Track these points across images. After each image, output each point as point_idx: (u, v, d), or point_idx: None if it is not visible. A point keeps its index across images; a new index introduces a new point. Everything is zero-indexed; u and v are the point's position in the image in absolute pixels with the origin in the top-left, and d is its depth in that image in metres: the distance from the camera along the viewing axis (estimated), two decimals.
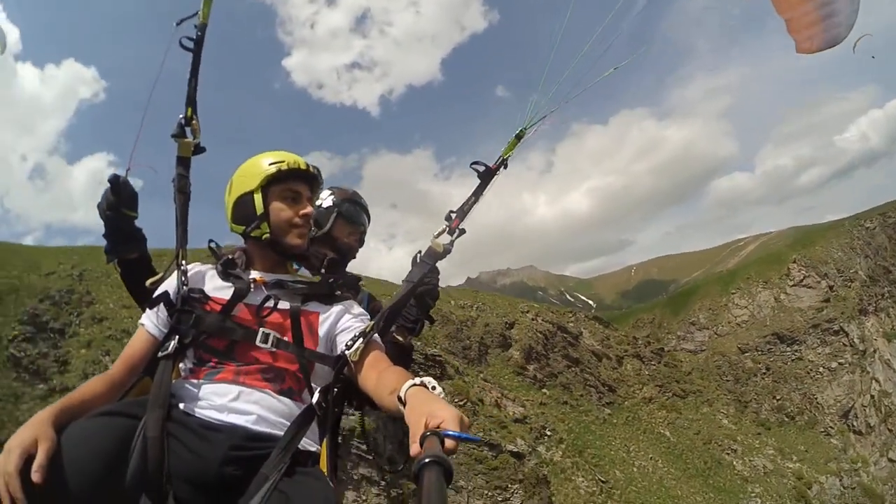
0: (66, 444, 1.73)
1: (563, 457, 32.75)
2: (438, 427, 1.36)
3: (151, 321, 2.28)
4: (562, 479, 31.50)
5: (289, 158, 2.39)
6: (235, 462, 1.87)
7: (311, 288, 2.37)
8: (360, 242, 3.36)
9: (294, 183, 2.37)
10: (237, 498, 1.80)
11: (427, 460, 1.16)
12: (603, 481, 33.24)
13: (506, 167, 2.59)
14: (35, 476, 1.61)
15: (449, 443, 1.31)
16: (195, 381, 2.11)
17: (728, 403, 45.46)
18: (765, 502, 38.22)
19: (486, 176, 2.56)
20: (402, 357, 2.65)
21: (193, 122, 2.53)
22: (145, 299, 2.43)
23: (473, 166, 2.57)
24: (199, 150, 2.57)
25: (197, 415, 1.99)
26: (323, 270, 2.55)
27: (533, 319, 42.79)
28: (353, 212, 3.25)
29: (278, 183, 2.35)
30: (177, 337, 2.17)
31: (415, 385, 1.66)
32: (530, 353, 39.53)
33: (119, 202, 2.57)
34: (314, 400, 2.11)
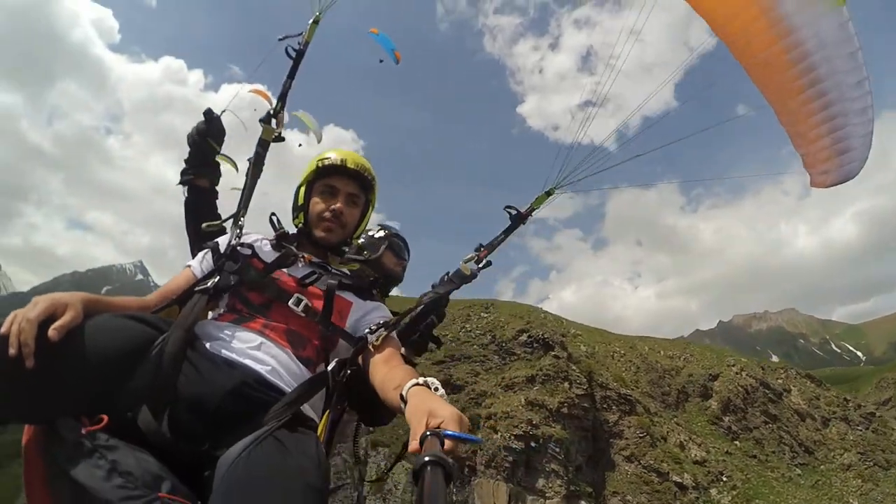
0: (89, 325, 1.78)
1: (731, 501, 36.36)
2: (439, 427, 1.38)
3: (198, 263, 2.44)
4: None
5: (334, 155, 2.54)
6: (240, 397, 1.89)
7: (352, 279, 2.49)
8: (401, 276, 3.76)
9: (334, 179, 2.51)
10: (231, 438, 1.75)
11: (427, 460, 1.16)
12: None
13: (529, 218, 2.87)
14: (52, 332, 1.64)
15: (448, 443, 1.32)
16: (222, 323, 2.18)
17: None
18: None
19: (516, 220, 2.82)
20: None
21: (280, 114, 2.84)
22: (198, 242, 2.70)
23: (507, 209, 2.83)
24: (278, 138, 2.83)
25: (217, 352, 2.03)
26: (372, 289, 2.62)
27: (737, 373, 45.33)
28: (400, 246, 3.65)
29: (321, 178, 2.53)
30: (217, 277, 2.31)
31: (417, 384, 1.70)
32: (728, 405, 42.35)
33: (207, 131, 2.95)
34: (329, 367, 2.19)
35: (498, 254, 2.77)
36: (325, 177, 2.54)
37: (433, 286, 2.75)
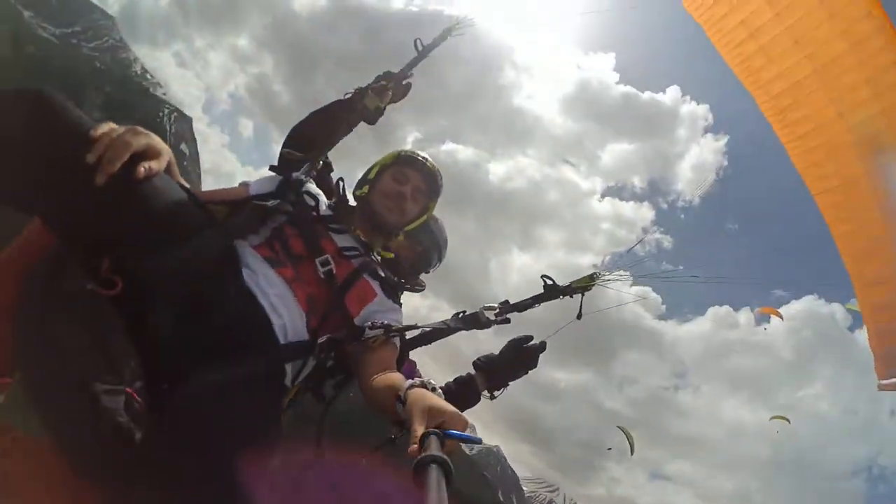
0: (164, 178, 1.57)
1: None
2: (439, 427, 1.33)
3: (256, 184, 2.29)
4: None
5: (416, 154, 2.54)
6: (241, 332, 1.78)
7: (386, 271, 2.40)
8: (417, 263, 3.10)
9: (409, 170, 2.49)
10: (208, 367, 1.62)
11: (427, 460, 1.10)
12: None
13: (572, 296, 2.60)
14: (141, 168, 1.45)
15: (449, 443, 1.28)
16: (258, 254, 2.04)
17: None
18: None
19: (549, 291, 2.62)
20: (465, 399, 2.48)
21: (388, 91, 2.59)
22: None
23: (544, 277, 2.67)
24: (377, 113, 2.59)
25: (244, 279, 1.91)
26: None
27: None
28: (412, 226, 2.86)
29: (397, 166, 2.50)
30: (278, 200, 2.19)
31: (415, 385, 1.63)
32: None
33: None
34: (320, 340, 2.05)
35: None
36: (402, 165, 2.51)
37: (446, 321, 2.57)
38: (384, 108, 2.59)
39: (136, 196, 1.47)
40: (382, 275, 2.34)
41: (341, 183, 2.55)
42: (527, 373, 2.53)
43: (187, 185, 1.78)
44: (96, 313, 1.50)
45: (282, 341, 1.90)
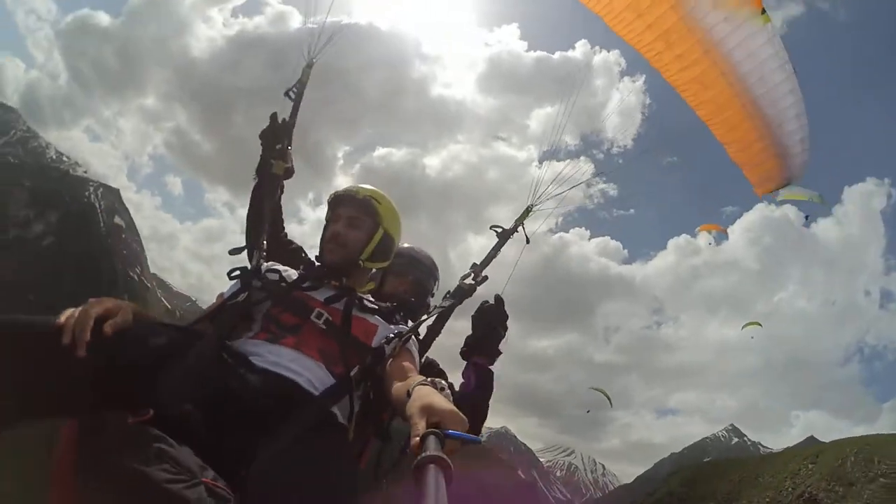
0: (136, 328, 1.82)
1: None
2: (437, 425, 1.38)
3: (228, 290, 2.52)
4: None
5: (338, 190, 2.75)
6: (276, 400, 1.95)
7: (377, 303, 2.62)
8: (415, 292, 3.35)
9: (337, 207, 2.69)
10: (266, 440, 1.77)
11: (429, 459, 1.15)
12: None
13: (521, 233, 3.15)
14: (107, 327, 1.70)
15: (450, 443, 1.33)
16: (257, 341, 2.25)
17: None
18: None
19: (503, 237, 3.06)
20: (483, 385, 2.71)
21: (287, 151, 2.98)
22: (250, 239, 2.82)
23: (493, 228, 3.06)
24: (288, 172, 2.99)
25: (254, 362, 2.11)
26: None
27: None
28: (395, 264, 3.08)
29: (330, 212, 2.72)
30: (246, 293, 2.41)
31: (423, 383, 1.73)
32: None
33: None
34: (352, 372, 2.21)
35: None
36: (333, 208, 2.71)
37: (441, 304, 2.90)
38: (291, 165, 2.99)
39: (116, 349, 1.70)
40: (375, 306, 2.58)
41: (302, 250, 2.93)
42: (506, 328, 2.81)
43: (164, 321, 2.09)
44: (147, 434, 1.54)
45: (315, 394, 2.10)
